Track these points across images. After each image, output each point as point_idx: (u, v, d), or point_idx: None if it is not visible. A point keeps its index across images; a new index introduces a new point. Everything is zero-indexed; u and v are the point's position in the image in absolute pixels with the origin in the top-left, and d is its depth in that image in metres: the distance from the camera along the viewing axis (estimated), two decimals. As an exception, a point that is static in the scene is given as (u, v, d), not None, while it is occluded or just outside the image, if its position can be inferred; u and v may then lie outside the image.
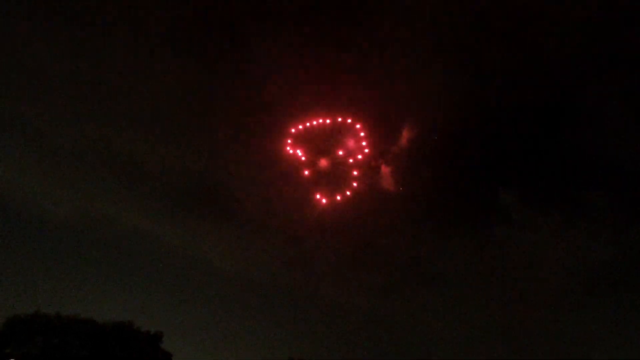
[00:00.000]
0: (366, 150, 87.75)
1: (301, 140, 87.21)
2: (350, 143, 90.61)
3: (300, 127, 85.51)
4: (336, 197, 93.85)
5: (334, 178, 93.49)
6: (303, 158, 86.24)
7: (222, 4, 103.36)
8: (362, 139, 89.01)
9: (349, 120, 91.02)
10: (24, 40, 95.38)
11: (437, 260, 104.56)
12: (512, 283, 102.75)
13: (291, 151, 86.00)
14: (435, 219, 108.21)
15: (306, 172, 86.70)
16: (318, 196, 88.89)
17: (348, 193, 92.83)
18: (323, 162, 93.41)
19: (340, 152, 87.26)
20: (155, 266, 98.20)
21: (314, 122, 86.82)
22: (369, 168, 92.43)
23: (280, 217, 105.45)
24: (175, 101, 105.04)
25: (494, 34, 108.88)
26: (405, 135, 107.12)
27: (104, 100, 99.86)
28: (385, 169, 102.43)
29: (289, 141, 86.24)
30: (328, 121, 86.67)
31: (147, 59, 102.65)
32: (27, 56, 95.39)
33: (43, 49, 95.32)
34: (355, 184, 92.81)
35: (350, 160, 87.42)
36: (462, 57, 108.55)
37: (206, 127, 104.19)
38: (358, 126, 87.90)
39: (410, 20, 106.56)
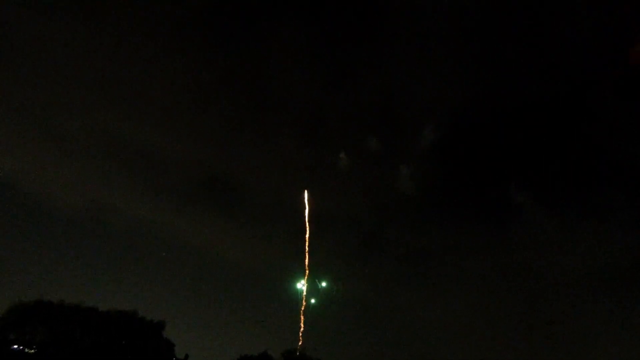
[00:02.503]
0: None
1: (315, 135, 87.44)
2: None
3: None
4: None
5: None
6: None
7: (236, 4, 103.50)
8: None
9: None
10: (40, 35, 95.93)
11: (449, 256, 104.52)
12: (524, 280, 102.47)
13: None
14: (449, 216, 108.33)
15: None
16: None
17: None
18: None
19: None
20: (161, 256, 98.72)
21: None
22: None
23: (288, 210, 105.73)
24: (188, 96, 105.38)
25: (509, 34, 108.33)
26: (419, 134, 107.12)
27: (117, 93, 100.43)
28: (400, 166, 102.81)
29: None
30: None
31: (162, 54, 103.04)
32: (43, 50, 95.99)
33: (60, 44, 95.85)
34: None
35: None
36: (477, 58, 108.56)
37: (217, 122, 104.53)
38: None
39: (425, 21, 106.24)
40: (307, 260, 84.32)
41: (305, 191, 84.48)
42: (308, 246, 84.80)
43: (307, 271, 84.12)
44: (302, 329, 79.61)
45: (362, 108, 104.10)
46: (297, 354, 70.53)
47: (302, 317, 79.80)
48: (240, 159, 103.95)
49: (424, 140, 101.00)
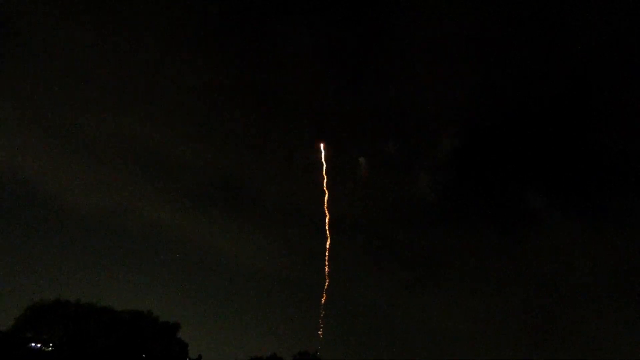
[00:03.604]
0: None
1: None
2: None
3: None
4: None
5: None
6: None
7: (249, 6, 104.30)
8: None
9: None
10: (54, 37, 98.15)
11: (464, 260, 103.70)
12: (538, 285, 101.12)
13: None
14: (465, 221, 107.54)
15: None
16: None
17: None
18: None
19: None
20: (176, 258, 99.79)
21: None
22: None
23: (299, 213, 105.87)
24: (200, 100, 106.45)
25: (522, 38, 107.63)
26: (438, 141, 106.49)
27: (136, 99, 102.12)
28: (419, 172, 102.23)
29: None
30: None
31: (175, 58, 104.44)
32: (65, 56, 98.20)
33: (82, 51, 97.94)
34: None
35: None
36: (494, 66, 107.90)
37: (234, 126, 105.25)
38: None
39: (444, 28, 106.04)
40: (327, 269, 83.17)
41: (322, 144, 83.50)
42: (328, 255, 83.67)
43: (327, 280, 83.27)
44: (320, 333, 79.08)
45: (381, 114, 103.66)
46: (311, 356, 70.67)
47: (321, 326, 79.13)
48: (256, 163, 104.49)
49: (442, 147, 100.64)
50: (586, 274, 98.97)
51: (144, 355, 59.49)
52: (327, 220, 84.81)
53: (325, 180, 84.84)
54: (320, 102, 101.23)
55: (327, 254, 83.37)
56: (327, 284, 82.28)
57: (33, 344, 54.25)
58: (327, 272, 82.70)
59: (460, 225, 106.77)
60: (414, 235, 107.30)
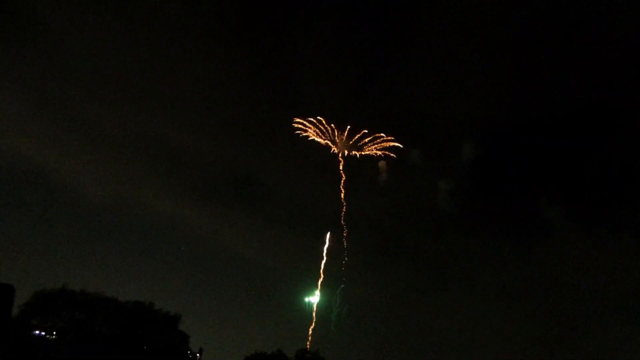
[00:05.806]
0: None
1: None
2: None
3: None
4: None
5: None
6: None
7: (265, 4, 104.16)
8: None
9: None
10: (75, 30, 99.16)
11: (476, 267, 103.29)
12: (552, 293, 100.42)
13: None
14: (479, 229, 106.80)
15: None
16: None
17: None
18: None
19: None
20: (181, 250, 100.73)
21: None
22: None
23: (308, 210, 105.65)
24: (215, 94, 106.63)
25: (542, 50, 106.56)
26: (456, 149, 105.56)
27: (148, 91, 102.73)
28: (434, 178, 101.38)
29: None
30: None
31: (194, 53, 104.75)
32: (76, 46, 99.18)
33: (94, 41, 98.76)
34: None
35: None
36: (512, 75, 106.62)
37: (248, 121, 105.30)
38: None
39: (459, 31, 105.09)
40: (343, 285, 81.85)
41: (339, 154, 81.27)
42: (345, 257, 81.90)
43: (343, 279, 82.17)
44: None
45: (402, 120, 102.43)
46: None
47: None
48: (269, 159, 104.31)
49: (461, 155, 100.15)
50: (600, 283, 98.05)
51: (145, 346, 60.23)
52: (344, 234, 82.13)
53: (342, 193, 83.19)
54: (340, 105, 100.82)
55: (343, 262, 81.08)
56: (343, 283, 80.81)
57: (37, 332, 55.13)
58: (341, 289, 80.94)
59: (475, 232, 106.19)
60: (429, 241, 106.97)
